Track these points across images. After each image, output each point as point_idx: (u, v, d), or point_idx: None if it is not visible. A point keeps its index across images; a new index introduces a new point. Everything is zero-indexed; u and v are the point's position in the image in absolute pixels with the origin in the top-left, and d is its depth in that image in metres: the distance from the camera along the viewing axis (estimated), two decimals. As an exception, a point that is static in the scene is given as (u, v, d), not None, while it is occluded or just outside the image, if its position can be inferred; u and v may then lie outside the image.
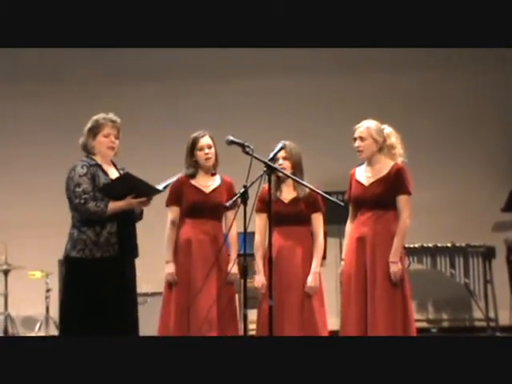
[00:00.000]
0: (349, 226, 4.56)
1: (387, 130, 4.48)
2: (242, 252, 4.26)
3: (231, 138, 4.07)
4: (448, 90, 7.59)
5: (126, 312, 4.20)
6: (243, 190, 4.03)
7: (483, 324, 7.10)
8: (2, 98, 7.67)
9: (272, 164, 4.08)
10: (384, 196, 4.39)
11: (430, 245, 6.87)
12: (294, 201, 4.68)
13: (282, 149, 4.37)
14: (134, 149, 6.74)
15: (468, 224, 7.27)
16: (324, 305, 4.66)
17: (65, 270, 4.31)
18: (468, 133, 7.51)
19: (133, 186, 4.16)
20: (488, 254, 6.91)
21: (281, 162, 4.63)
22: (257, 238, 4.70)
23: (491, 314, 7.01)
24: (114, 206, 4.15)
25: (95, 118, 4.29)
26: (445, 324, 7.52)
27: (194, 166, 4.73)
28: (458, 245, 6.89)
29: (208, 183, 4.75)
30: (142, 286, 6.14)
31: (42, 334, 6.72)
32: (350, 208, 4.56)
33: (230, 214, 4.62)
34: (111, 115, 4.31)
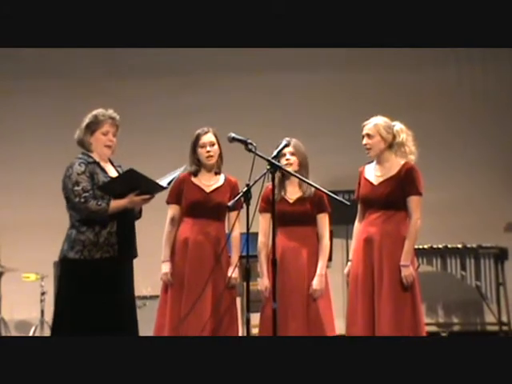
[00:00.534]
0: (357, 226, 4.56)
1: (398, 126, 4.47)
2: (244, 254, 4.26)
3: (233, 134, 4.07)
4: (455, 85, 7.58)
5: (125, 315, 4.20)
6: (246, 189, 4.02)
7: (495, 328, 7.09)
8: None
9: (276, 162, 4.07)
10: (393, 196, 4.39)
11: (440, 246, 6.87)
12: (300, 200, 4.68)
13: (286, 146, 4.37)
14: (135, 146, 6.78)
15: (479, 224, 7.27)
16: (331, 307, 4.65)
17: (60, 272, 4.30)
18: (476, 129, 7.51)
19: (136, 183, 4.13)
20: (500, 255, 6.91)
21: (288, 156, 4.63)
22: (260, 239, 4.70)
23: (504, 318, 7.00)
24: (116, 204, 4.13)
25: (94, 113, 4.27)
26: (455, 328, 7.51)
27: (197, 163, 4.73)
28: (468, 246, 6.88)
29: (210, 182, 4.75)
30: (141, 289, 6.18)
31: (36, 338, 6.73)
32: (359, 207, 4.56)
33: (234, 214, 4.62)
34: (110, 112, 4.29)
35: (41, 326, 6.83)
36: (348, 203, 4.13)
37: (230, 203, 4.31)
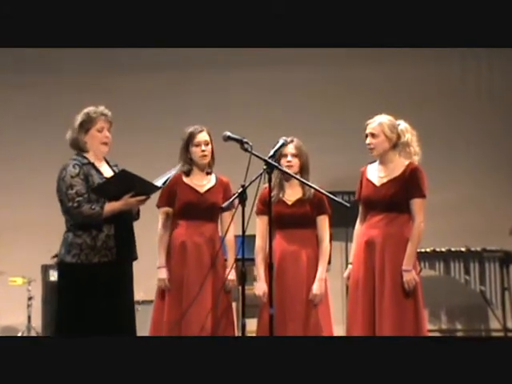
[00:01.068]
0: (358, 229, 4.55)
1: (402, 125, 4.46)
2: (240, 257, 4.26)
3: (228, 133, 4.07)
4: (459, 83, 7.60)
5: (124, 320, 4.19)
6: (241, 189, 4.02)
7: (500, 334, 7.10)
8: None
9: (272, 161, 4.07)
10: (396, 198, 4.38)
11: (443, 249, 6.88)
12: (299, 202, 4.67)
13: (283, 145, 4.37)
14: (130, 144, 6.78)
15: (484, 226, 7.27)
16: (330, 313, 4.66)
17: (58, 277, 4.31)
18: (480, 128, 7.52)
19: (130, 184, 4.12)
20: (505, 258, 6.92)
21: (289, 158, 4.63)
22: (258, 242, 4.69)
23: (509, 324, 7.02)
24: (110, 207, 4.12)
25: (86, 111, 4.26)
26: (459, 334, 7.52)
27: (189, 163, 4.72)
28: (473, 249, 6.90)
29: (202, 182, 4.74)
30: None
31: (23, 345, 6.72)
32: (360, 209, 4.56)
33: (227, 215, 4.63)
34: (102, 108, 4.28)
35: (28, 332, 6.82)
36: (348, 205, 4.13)
37: (224, 204, 4.31)
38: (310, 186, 4.46)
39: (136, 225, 4.34)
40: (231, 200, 4.15)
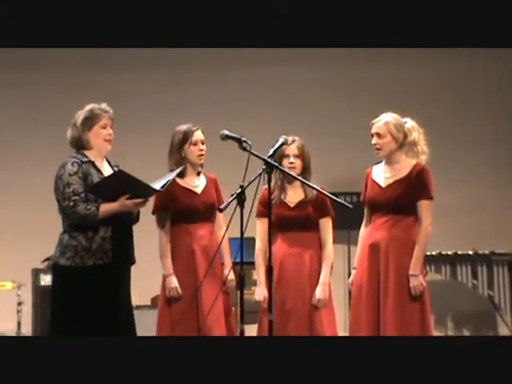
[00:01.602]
0: (363, 231, 4.56)
1: (409, 124, 4.46)
2: (238, 260, 4.25)
3: (226, 132, 4.07)
4: (466, 80, 7.60)
5: (121, 325, 4.19)
6: (240, 190, 4.02)
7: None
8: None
9: (272, 161, 4.06)
10: (402, 199, 4.38)
11: (450, 252, 6.88)
12: (301, 204, 4.67)
13: (283, 145, 4.35)
14: (128, 142, 6.78)
15: (492, 229, 7.28)
16: (334, 319, 4.65)
17: (52, 280, 4.31)
18: (488, 127, 7.52)
19: (127, 186, 4.12)
20: (515, 262, 6.93)
21: (292, 159, 4.62)
22: (258, 245, 4.69)
23: (518, 330, 7.02)
24: (106, 208, 4.13)
25: (88, 108, 4.28)
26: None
27: (183, 163, 4.66)
28: (480, 252, 6.89)
29: (196, 183, 4.72)
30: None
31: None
32: (365, 211, 4.56)
33: (220, 216, 4.63)
34: (104, 105, 4.30)
35: (18, 338, 6.82)
36: (350, 206, 4.13)
37: (222, 206, 4.31)
38: (313, 187, 4.45)
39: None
40: (230, 201, 4.13)
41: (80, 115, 4.25)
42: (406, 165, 4.44)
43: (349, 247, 7.01)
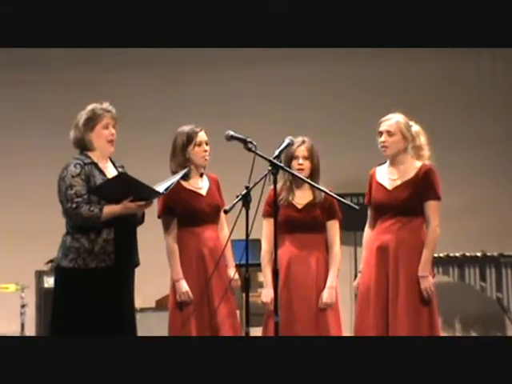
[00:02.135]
0: (367, 234, 4.56)
1: (415, 128, 4.48)
2: (243, 262, 4.25)
3: (231, 132, 4.07)
4: (475, 78, 7.59)
5: (123, 328, 4.20)
6: (245, 191, 4.02)
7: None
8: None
9: (278, 162, 4.06)
10: (410, 201, 4.38)
11: (458, 254, 6.86)
12: (309, 206, 4.67)
13: (288, 145, 4.34)
14: (129, 142, 6.77)
15: (500, 230, 7.27)
16: (340, 322, 4.65)
17: (55, 282, 4.32)
18: (497, 126, 7.50)
19: (130, 188, 4.12)
20: (524, 264, 6.91)
21: (301, 161, 4.62)
22: (264, 246, 4.69)
23: (527, 333, 7.01)
24: (109, 210, 4.13)
25: (90, 108, 4.27)
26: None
27: (186, 164, 4.64)
28: (489, 254, 6.87)
29: (200, 184, 4.72)
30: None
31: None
32: (369, 213, 4.56)
33: (222, 216, 4.64)
34: (106, 104, 4.30)
35: (21, 341, 6.83)
36: (357, 207, 4.12)
37: (227, 207, 4.30)
38: (320, 189, 4.44)
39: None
40: (235, 202, 4.13)
41: (82, 115, 4.25)
42: (411, 166, 4.44)
43: (355, 249, 7.00)
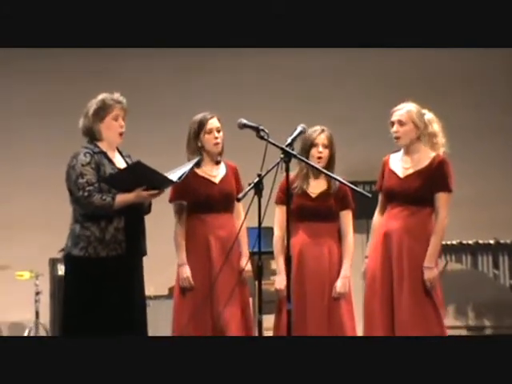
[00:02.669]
0: (377, 219, 4.57)
1: (428, 115, 4.48)
2: (256, 250, 4.27)
3: (244, 120, 4.09)
4: (487, 69, 7.56)
5: (134, 316, 4.22)
6: (257, 179, 4.03)
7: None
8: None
9: (290, 150, 4.07)
10: (421, 191, 4.39)
11: (471, 242, 6.86)
12: (323, 195, 4.68)
13: (301, 133, 4.35)
14: (142, 132, 6.80)
15: (512, 219, 7.27)
16: (353, 311, 4.67)
17: (65, 270, 4.33)
18: (506, 118, 7.48)
19: (144, 177, 4.13)
20: (537, 251, 6.90)
21: (321, 149, 4.63)
22: (276, 232, 4.71)
23: (540, 321, 7.01)
24: (121, 199, 4.13)
25: (101, 97, 4.26)
26: (487, 332, 7.52)
27: (199, 152, 4.67)
28: (502, 241, 6.87)
29: (214, 172, 4.73)
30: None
31: (31, 341, 6.78)
32: (380, 199, 4.57)
33: (239, 205, 4.65)
34: (117, 95, 4.28)
35: (35, 328, 6.87)
36: (369, 195, 4.14)
37: (240, 195, 4.32)
38: (335, 179, 4.45)
39: (146, 218, 4.35)
40: (247, 190, 4.14)
41: (92, 105, 4.24)
42: (425, 156, 4.45)
43: (367, 236, 6.96)
